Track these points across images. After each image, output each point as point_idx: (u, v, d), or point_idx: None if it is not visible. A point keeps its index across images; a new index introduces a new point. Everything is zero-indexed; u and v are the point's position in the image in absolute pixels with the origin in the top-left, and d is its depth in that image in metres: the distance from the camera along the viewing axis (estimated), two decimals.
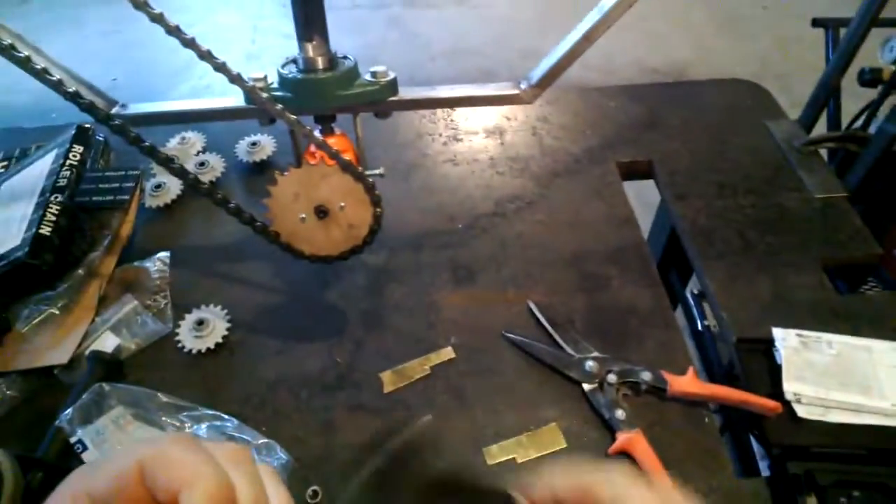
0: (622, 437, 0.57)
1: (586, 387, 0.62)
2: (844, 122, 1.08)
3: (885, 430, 0.56)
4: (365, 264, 0.76)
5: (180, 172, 0.55)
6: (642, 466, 0.56)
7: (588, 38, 0.56)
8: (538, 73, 0.60)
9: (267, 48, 3.00)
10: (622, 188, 0.84)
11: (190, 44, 0.49)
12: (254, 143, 0.89)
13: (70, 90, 0.51)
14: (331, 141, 0.55)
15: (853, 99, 1.04)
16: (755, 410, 0.60)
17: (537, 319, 0.68)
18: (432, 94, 0.61)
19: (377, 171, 0.61)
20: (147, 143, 0.53)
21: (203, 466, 0.24)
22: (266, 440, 0.59)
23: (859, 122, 1.03)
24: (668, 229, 0.99)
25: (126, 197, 0.78)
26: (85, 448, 0.56)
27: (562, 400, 0.62)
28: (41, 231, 0.70)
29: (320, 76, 0.56)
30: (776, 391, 0.60)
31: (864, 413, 0.57)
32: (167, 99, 0.68)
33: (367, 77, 0.59)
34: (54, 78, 0.50)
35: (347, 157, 0.54)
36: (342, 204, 0.56)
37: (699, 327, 1.10)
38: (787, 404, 0.59)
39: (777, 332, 0.64)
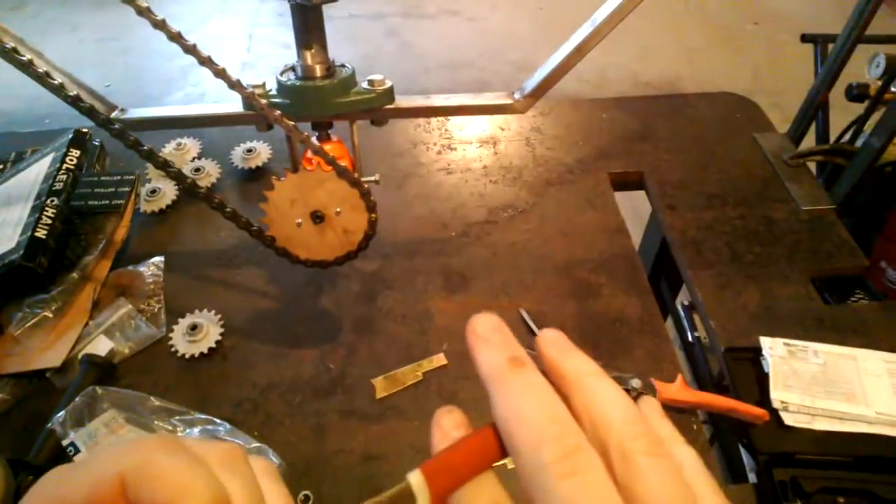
0: None
1: None
2: (833, 136, 1.10)
3: (869, 438, 0.57)
4: (358, 271, 0.76)
5: (177, 176, 0.55)
6: None
7: (580, 51, 0.57)
8: (531, 83, 0.61)
9: (262, 57, 3.01)
10: (614, 198, 0.85)
11: (191, 50, 0.50)
12: (249, 150, 0.90)
13: (71, 94, 0.51)
14: (327, 147, 0.56)
15: (842, 114, 1.06)
16: (743, 418, 0.60)
17: (528, 327, 0.69)
18: (427, 103, 0.62)
19: (372, 178, 0.62)
20: (145, 148, 0.53)
21: (192, 477, 0.21)
22: (258, 445, 0.59)
23: (847, 137, 1.05)
24: (660, 240, 1.00)
25: (121, 201, 0.79)
26: (77, 451, 0.56)
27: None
28: (36, 234, 0.70)
29: (318, 84, 0.57)
30: (763, 399, 0.61)
31: (848, 420, 0.58)
32: (161, 106, 0.69)
33: (364, 85, 0.60)
34: (56, 82, 0.51)
35: (343, 163, 0.55)
36: (338, 209, 0.57)
37: (690, 338, 1.12)
38: (774, 412, 0.60)
39: (764, 341, 0.65)
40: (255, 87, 0.56)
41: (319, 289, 0.75)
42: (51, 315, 0.69)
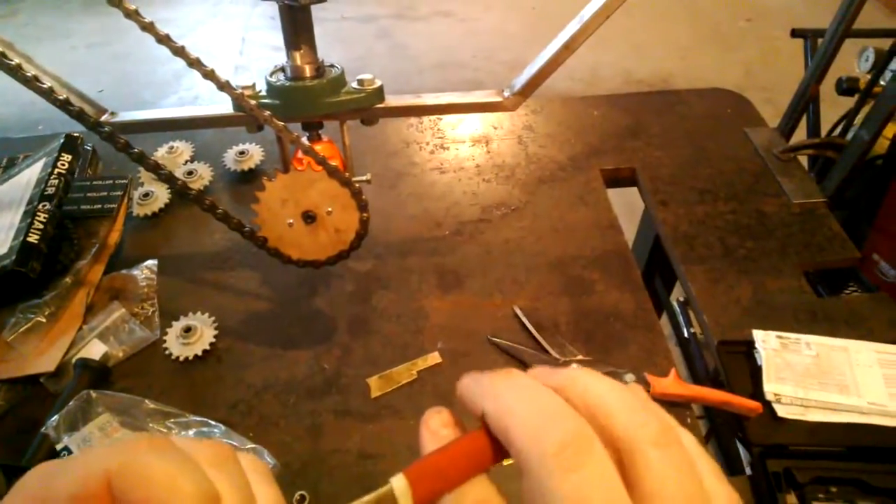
0: None
1: None
2: (824, 130, 1.11)
3: (861, 428, 0.57)
4: (352, 271, 0.76)
5: (168, 179, 0.55)
6: None
7: (568, 47, 0.57)
8: (520, 81, 0.62)
9: (255, 60, 3.01)
10: (606, 195, 0.86)
11: (179, 52, 0.50)
12: (242, 152, 0.90)
13: (60, 97, 0.51)
14: (318, 147, 0.56)
15: (833, 108, 1.06)
16: (737, 411, 0.61)
17: (523, 324, 0.69)
18: (417, 102, 0.62)
19: (364, 178, 0.62)
20: (136, 150, 0.53)
21: (181, 476, 0.20)
22: (253, 446, 0.59)
23: (838, 130, 1.06)
24: (653, 236, 1.00)
25: (114, 205, 0.79)
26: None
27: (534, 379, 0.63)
28: (29, 239, 0.70)
29: (308, 84, 0.57)
30: (757, 392, 0.62)
31: (841, 411, 0.59)
32: (156, 109, 0.69)
33: (354, 85, 0.60)
34: (45, 86, 0.51)
35: (334, 163, 0.55)
36: (329, 209, 0.57)
37: (685, 334, 1.12)
38: (767, 404, 0.60)
39: (757, 334, 0.66)
40: (244, 88, 0.56)
41: (313, 289, 0.75)
42: (44, 320, 0.69)
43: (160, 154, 0.92)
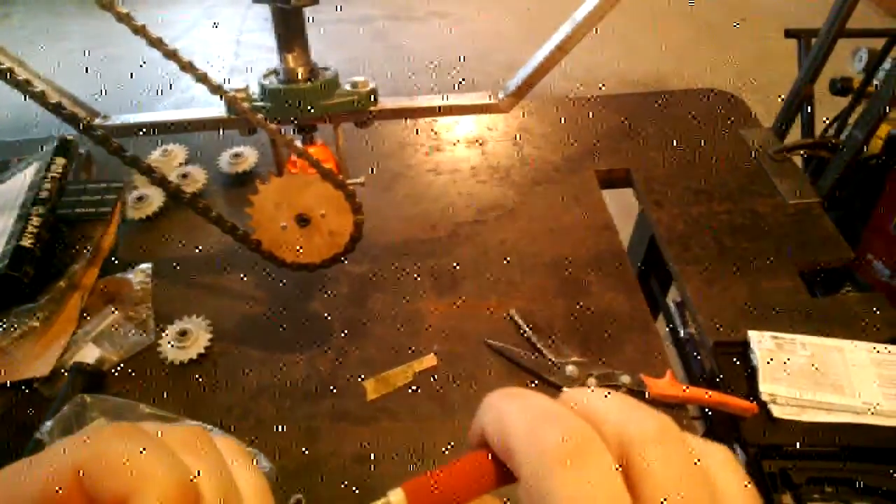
0: None
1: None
2: (818, 130, 1.11)
3: (856, 428, 0.58)
4: (348, 274, 0.76)
5: (161, 182, 0.55)
6: None
7: (562, 49, 0.57)
8: (514, 82, 0.62)
9: (251, 62, 3.01)
10: (601, 196, 0.86)
11: (171, 55, 0.50)
12: (236, 155, 0.90)
13: (53, 101, 0.51)
14: (312, 150, 0.56)
15: (828, 109, 1.07)
16: (732, 412, 0.61)
17: (518, 326, 0.69)
18: (411, 104, 0.62)
19: (358, 180, 0.62)
20: (129, 154, 0.53)
21: (152, 462, 0.19)
22: (249, 449, 0.59)
23: (832, 131, 1.06)
24: (648, 237, 1.00)
25: (108, 209, 0.78)
26: None
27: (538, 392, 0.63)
28: (22, 243, 0.69)
29: (301, 86, 0.57)
30: (752, 392, 0.62)
31: (836, 411, 0.59)
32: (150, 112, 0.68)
33: (348, 87, 0.60)
34: (37, 89, 0.51)
35: (328, 166, 0.55)
36: (323, 212, 0.57)
37: (681, 335, 1.12)
38: (762, 405, 0.60)
39: (753, 335, 0.66)
40: (237, 90, 0.56)
41: (308, 292, 0.75)
42: (38, 324, 0.69)
43: (154, 157, 0.92)
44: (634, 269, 0.77)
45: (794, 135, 0.99)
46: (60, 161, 0.81)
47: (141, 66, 2.92)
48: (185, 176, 0.87)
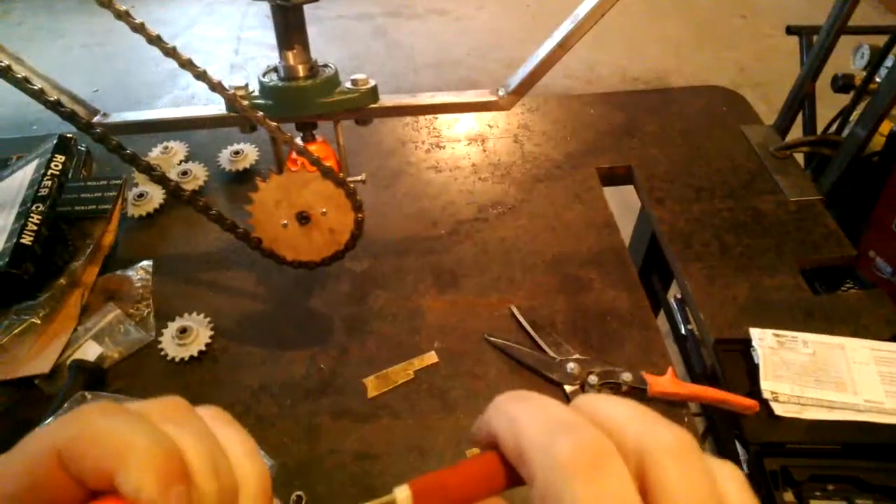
0: None
1: (568, 388, 0.63)
2: (820, 127, 1.11)
3: (857, 425, 0.57)
4: (349, 271, 0.76)
5: (161, 180, 0.55)
6: None
7: (562, 46, 0.57)
8: (515, 80, 0.61)
9: (251, 59, 3.00)
10: (602, 193, 0.85)
11: (171, 53, 0.50)
12: (237, 152, 0.89)
13: (51, 99, 0.51)
14: (312, 148, 0.56)
15: (830, 106, 1.06)
16: (734, 409, 0.61)
17: (519, 323, 0.69)
18: (412, 102, 0.61)
19: (359, 178, 0.62)
20: (128, 151, 0.53)
21: (134, 435, 0.19)
22: None
23: (834, 128, 1.06)
24: (649, 234, 1.00)
25: (108, 206, 0.78)
26: None
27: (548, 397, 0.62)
28: (22, 240, 0.69)
29: (301, 84, 0.56)
30: (754, 390, 0.62)
31: (837, 409, 0.59)
32: (150, 110, 0.68)
33: (348, 85, 0.59)
34: (35, 87, 0.51)
35: (328, 163, 0.55)
36: (323, 210, 0.57)
37: (682, 332, 1.12)
38: (764, 402, 0.60)
39: (754, 333, 0.66)
40: (237, 88, 0.56)
41: (309, 290, 0.75)
42: (39, 321, 0.69)
43: (155, 154, 0.91)
44: (636, 267, 0.76)
45: (796, 132, 0.98)
46: (60, 158, 0.81)
47: (140, 62, 2.92)
48: (185, 173, 0.86)
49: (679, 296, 1.14)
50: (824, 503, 0.53)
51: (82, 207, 0.78)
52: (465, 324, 0.70)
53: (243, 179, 0.89)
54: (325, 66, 0.59)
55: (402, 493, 0.20)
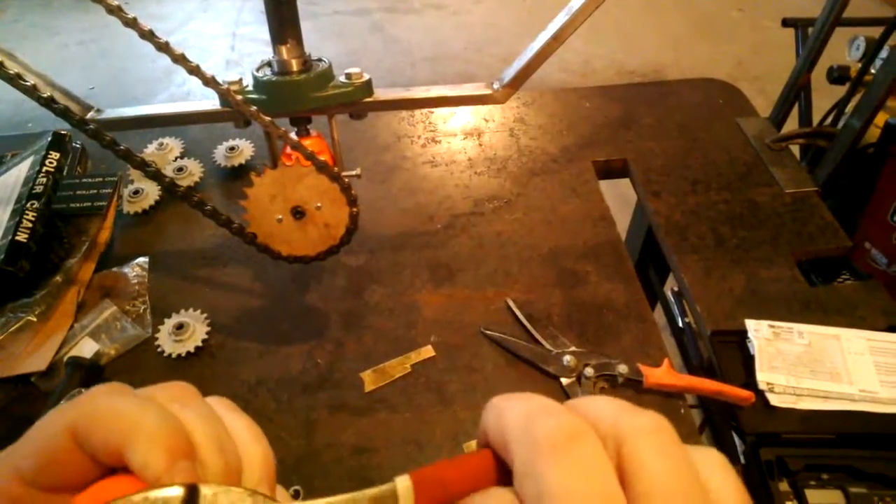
0: None
1: (564, 381, 0.63)
2: (816, 120, 1.11)
3: (852, 415, 0.58)
4: (345, 266, 0.76)
5: (155, 175, 0.55)
6: None
7: (557, 39, 0.57)
8: (510, 73, 0.61)
9: (246, 55, 3.00)
10: (598, 186, 0.85)
11: (164, 48, 0.50)
12: (232, 148, 0.89)
13: (44, 95, 0.51)
14: (306, 142, 0.55)
15: (826, 98, 1.06)
16: (730, 400, 0.61)
17: (515, 316, 0.69)
18: (407, 95, 0.61)
19: (354, 172, 0.62)
20: (122, 147, 0.53)
21: (143, 414, 0.20)
22: None
23: (830, 120, 1.06)
24: (646, 228, 1.00)
25: (103, 203, 0.78)
26: None
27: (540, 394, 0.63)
28: (17, 238, 0.69)
29: (295, 78, 0.56)
30: (750, 381, 0.62)
31: (833, 399, 0.59)
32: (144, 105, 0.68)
33: (342, 79, 0.59)
34: (28, 83, 0.50)
35: (323, 158, 0.54)
36: (318, 204, 0.57)
37: (679, 324, 1.12)
38: (760, 393, 0.60)
39: (750, 324, 0.66)
40: (231, 83, 0.56)
41: (306, 285, 0.75)
42: (35, 319, 0.69)
43: (150, 151, 0.91)
44: (632, 260, 0.77)
45: (792, 124, 0.98)
46: (55, 155, 0.81)
47: (136, 59, 2.91)
48: (180, 169, 0.86)
49: (676, 289, 1.14)
50: (819, 492, 0.53)
51: (78, 204, 0.78)
52: (462, 317, 0.70)
53: (239, 175, 0.89)
54: (319, 60, 0.59)
55: (404, 482, 0.20)
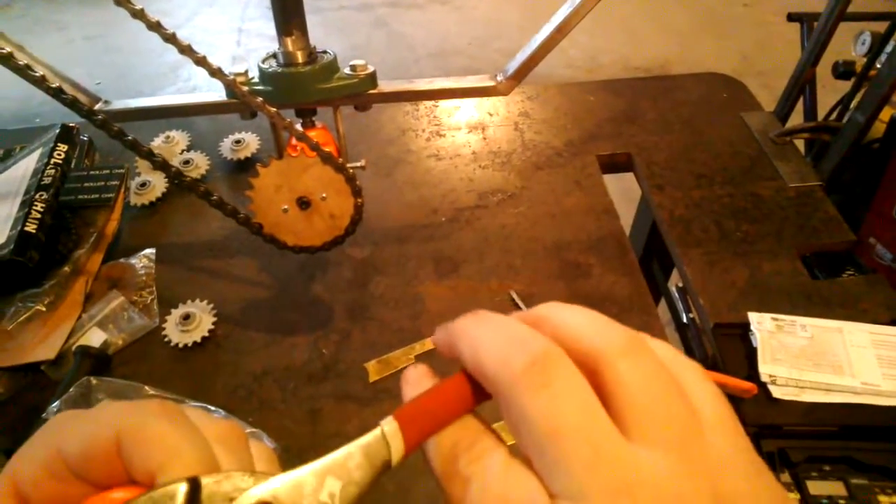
0: None
1: None
2: (822, 115, 1.10)
3: (854, 407, 0.58)
4: (350, 257, 0.77)
5: (163, 166, 0.56)
6: None
7: (560, 31, 0.57)
8: (513, 65, 0.62)
9: (252, 50, 3.00)
10: (602, 180, 0.86)
11: (171, 39, 0.50)
12: (238, 141, 0.90)
13: (53, 86, 0.51)
14: (311, 134, 0.56)
15: (832, 93, 1.06)
16: (732, 392, 0.61)
17: (519, 308, 0.70)
18: (410, 87, 0.62)
19: (358, 164, 0.62)
20: (130, 138, 0.53)
21: (185, 445, 0.21)
22: (253, 430, 0.60)
23: (835, 115, 1.06)
24: (650, 222, 1.00)
25: (111, 195, 0.79)
26: None
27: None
28: (26, 228, 0.70)
29: (300, 70, 0.57)
30: (752, 373, 0.62)
31: (835, 392, 0.59)
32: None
33: (347, 71, 0.60)
34: (37, 74, 0.51)
35: (328, 149, 0.55)
36: (324, 195, 0.57)
37: (684, 320, 1.12)
38: (762, 386, 0.61)
39: (753, 317, 0.66)
40: (237, 74, 0.56)
41: (311, 276, 0.75)
42: (44, 309, 0.69)
43: (157, 144, 0.92)
44: (636, 254, 0.77)
45: (797, 119, 0.98)
46: (63, 147, 0.81)
47: (142, 55, 2.91)
48: (187, 162, 0.87)
49: (680, 284, 1.15)
50: (820, 483, 0.53)
51: (85, 196, 0.78)
52: (466, 309, 0.69)
53: (245, 169, 0.89)
54: (324, 52, 0.60)
55: (389, 424, 0.21)
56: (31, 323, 0.69)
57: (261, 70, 0.58)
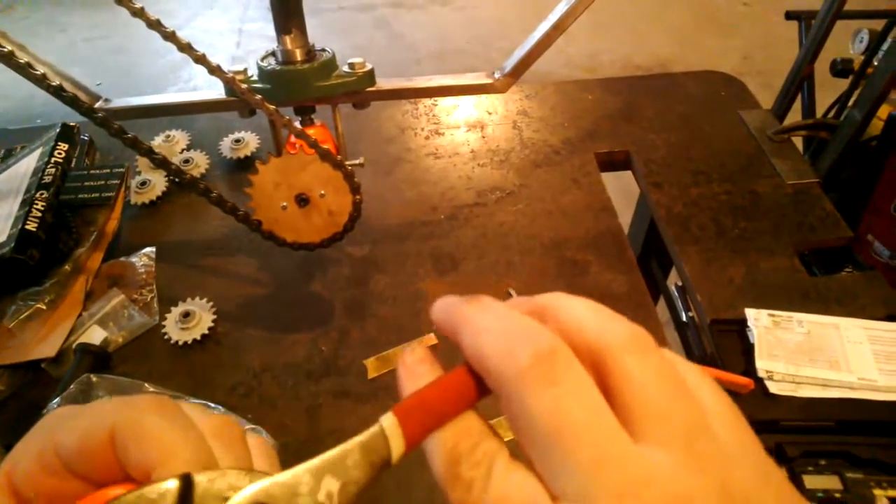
0: None
1: None
2: (820, 113, 1.11)
3: (851, 403, 0.58)
4: (349, 255, 0.77)
5: (162, 163, 0.56)
6: None
7: (557, 28, 0.58)
8: (510, 62, 0.62)
9: (252, 51, 3.01)
10: (600, 178, 0.86)
11: (170, 37, 0.51)
12: (237, 140, 0.90)
13: (54, 84, 0.52)
14: (310, 131, 0.56)
15: (830, 92, 1.06)
16: (729, 388, 0.61)
17: None
18: (408, 84, 0.62)
19: (357, 161, 0.63)
20: (130, 135, 0.54)
21: (181, 441, 0.20)
22: (252, 426, 0.60)
23: (833, 113, 1.06)
24: (648, 220, 1.01)
25: (111, 194, 0.79)
26: None
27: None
28: (27, 227, 0.70)
29: (298, 67, 0.57)
30: (749, 369, 0.62)
31: (831, 387, 0.59)
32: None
33: (345, 68, 0.60)
34: (38, 72, 0.51)
35: (327, 146, 0.55)
36: (322, 192, 0.58)
37: (683, 319, 1.12)
38: (759, 381, 0.61)
39: (750, 313, 0.66)
40: (236, 72, 0.56)
41: (311, 274, 0.76)
42: (44, 307, 0.70)
43: (157, 143, 0.92)
44: (635, 252, 0.77)
45: (795, 117, 0.98)
46: (63, 146, 0.82)
47: (143, 56, 2.92)
48: (187, 161, 0.87)
49: (679, 283, 1.15)
50: (816, 478, 0.53)
51: (86, 195, 0.79)
52: None
53: (244, 167, 0.90)
54: (323, 50, 0.60)
55: (388, 420, 0.21)
56: (32, 321, 0.69)
57: (260, 68, 0.58)
